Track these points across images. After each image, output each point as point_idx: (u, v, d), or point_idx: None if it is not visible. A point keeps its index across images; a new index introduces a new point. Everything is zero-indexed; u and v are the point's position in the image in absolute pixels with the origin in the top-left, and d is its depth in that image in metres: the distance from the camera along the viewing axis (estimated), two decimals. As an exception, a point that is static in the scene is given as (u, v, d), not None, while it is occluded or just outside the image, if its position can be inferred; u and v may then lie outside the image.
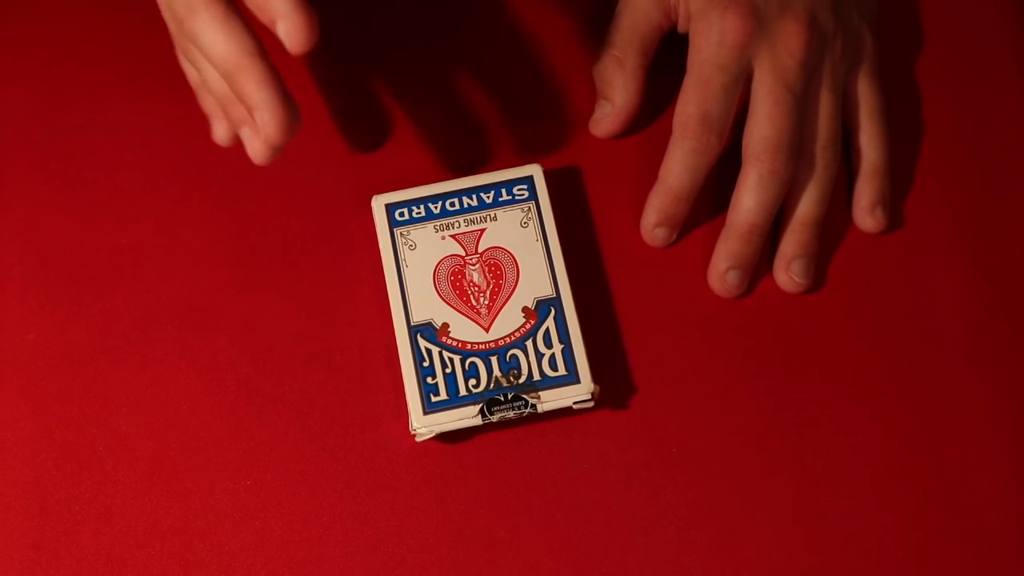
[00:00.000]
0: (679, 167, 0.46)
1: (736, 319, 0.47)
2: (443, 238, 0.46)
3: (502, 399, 0.43)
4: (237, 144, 0.50)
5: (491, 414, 0.43)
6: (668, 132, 0.47)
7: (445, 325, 0.44)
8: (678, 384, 0.46)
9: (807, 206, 0.47)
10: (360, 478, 0.45)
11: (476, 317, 0.44)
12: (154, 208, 0.49)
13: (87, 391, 0.46)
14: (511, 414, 0.43)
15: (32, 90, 0.52)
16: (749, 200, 0.46)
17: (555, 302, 0.45)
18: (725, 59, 0.46)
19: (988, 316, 0.47)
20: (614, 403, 0.46)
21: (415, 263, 0.45)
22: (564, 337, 0.44)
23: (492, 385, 0.43)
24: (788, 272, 0.47)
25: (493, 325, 0.44)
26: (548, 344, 0.44)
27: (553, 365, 0.44)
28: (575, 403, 0.43)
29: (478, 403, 0.43)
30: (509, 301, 0.45)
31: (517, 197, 0.46)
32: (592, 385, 0.43)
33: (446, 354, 0.44)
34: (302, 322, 0.47)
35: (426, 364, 0.44)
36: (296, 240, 0.49)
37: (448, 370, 0.44)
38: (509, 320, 0.44)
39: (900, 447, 0.45)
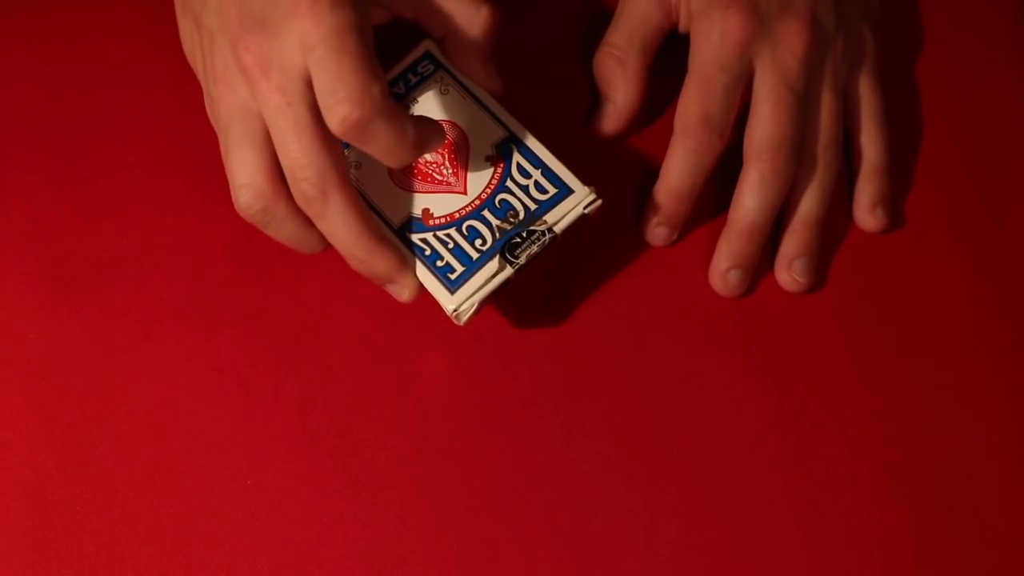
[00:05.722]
0: (681, 167, 0.46)
1: (737, 319, 0.47)
2: None
3: (518, 239, 0.43)
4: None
5: (515, 257, 0.42)
6: (669, 132, 0.47)
7: (425, 210, 0.44)
8: (678, 384, 0.46)
9: (808, 206, 0.47)
10: (360, 478, 0.45)
11: (449, 188, 0.44)
12: (154, 208, 0.49)
13: (87, 391, 0.46)
14: (535, 248, 0.42)
15: (32, 90, 0.52)
16: (750, 200, 0.46)
17: (511, 138, 0.44)
18: (726, 59, 0.46)
19: (988, 315, 0.47)
20: (614, 403, 0.46)
21: (366, 178, 0.45)
22: (537, 162, 0.44)
23: (498, 235, 0.43)
24: (789, 272, 0.47)
25: (468, 186, 0.44)
26: (526, 175, 0.44)
27: (542, 189, 0.43)
28: (585, 208, 0.43)
29: (495, 255, 0.43)
30: (470, 159, 0.44)
31: (424, 74, 0.46)
32: (588, 188, 0.43)
33: (440, 233, 0.43)
34: (302, 322, 0.47)
35: (428, 253, 0.43)
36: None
37: (450, 245, 0.43)
38: (480, 174, 0.44)
39: (900, 447, 0.45)
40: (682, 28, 0.49)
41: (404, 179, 0.44)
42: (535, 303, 0.47)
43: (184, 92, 0.47)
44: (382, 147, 0.39)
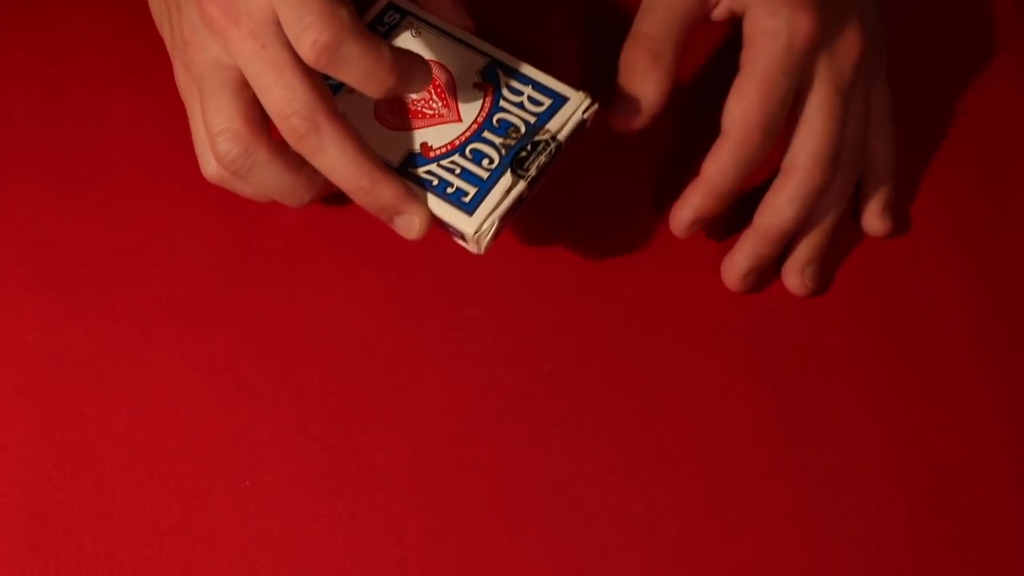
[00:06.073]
0: (732, 172, 0.44)
1: (738, 319, 0.47)
2: (352, 92, 0.44)
3: (524, 152, 0.42)
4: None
5: (525, 170, 0.42)
6: (669, 130, 0.47)
7: (424, 144, 0.43)
8: (678, 384, 0.46)
9: (828, 211, 0.46)
10: (360, 479, 0.45)
11: (442, 119, 0.43)
12: (154, 208, 0.49)
13: (87, 391, 0.46)
14: (543, 158, 0.42)
15: (32, 90, 0.52)
16: (789, 209, 0.44)
17: (495, 63, 0.44)
18: (793, 63, 0.43)
19: (991, 319, 0.47)
20: (614, 403, 0.46)
21: (355, 126, 0.44)
22: (525, 79, 0.44)
23: (504, 152, 0.42)
24: (801, 276, 0.47)
25: (461, 114, 0.43)
26: (518, 93, 0.43)
27: (536, 102, 0.43)
28: (584, 114, 0.43)
29: (506, 170, 0.42)
30: (458, 88, 0.44)
31: (392, 24, 0.46)
32: (582, 93, 0.43)
33: (444, 162, 0.43)
34: (302, 322, 0.47)
35: (436, 183, 0.42)
36: (296, 240, 0.49)
37: (457, 171, 0.42)
38: (471, 101, 0.44)
39: (901, 448, 0.45)
40: (718, 15, 0.45)
41: (394, 120, 0.44)
42: (534, 302, 0.47)
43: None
44: (360, 70, 0.38)
